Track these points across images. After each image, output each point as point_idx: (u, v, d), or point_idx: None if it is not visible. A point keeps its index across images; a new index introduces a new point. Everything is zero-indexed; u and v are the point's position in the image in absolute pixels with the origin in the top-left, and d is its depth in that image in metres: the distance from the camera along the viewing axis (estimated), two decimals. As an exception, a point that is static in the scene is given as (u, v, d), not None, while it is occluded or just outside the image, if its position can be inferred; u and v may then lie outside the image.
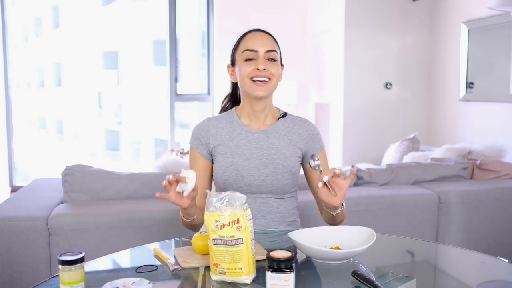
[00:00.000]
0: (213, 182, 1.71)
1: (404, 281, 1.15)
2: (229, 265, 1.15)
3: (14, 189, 5.03)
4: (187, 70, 10.21)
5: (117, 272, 1.37)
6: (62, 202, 2.30)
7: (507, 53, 3.85)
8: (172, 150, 4.29)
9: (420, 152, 3.85)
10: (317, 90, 5.29)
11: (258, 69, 1.56)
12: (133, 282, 1.06)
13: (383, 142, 4.67)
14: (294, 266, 1.06)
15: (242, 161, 1.62)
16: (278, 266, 1.04)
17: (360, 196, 2.47)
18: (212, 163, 1.67)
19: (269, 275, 1.06)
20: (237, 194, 1.18)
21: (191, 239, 1.39)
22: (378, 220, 2.47)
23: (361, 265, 1.29)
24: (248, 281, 1.16)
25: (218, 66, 5.20)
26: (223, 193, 1.18)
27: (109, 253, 1.48)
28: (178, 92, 5.24)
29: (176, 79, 5.23)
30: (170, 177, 1.33)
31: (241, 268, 1.15)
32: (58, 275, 1.09)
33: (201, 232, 1.36)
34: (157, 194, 1.35)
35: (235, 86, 1.77)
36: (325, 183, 1.36)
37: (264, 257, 1.15)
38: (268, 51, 1.58)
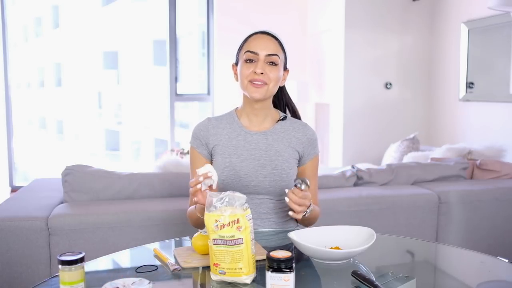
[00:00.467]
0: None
1: (404, 281, 1.15)
2: (229, 265, 1.15)
3: (14, 189, 5.03)
4: (187, 70, 10.21)
5: (117, 272, 1.37)
6: (62, 202, 2.30)
7: (507, 53, 3.85)
8: (172, 150, 4.29)
9: (420, 152, 3.85)
10: (317, 90, 5.29)
11: (255, 72, 1.56)
12: (133, 282, 1.06)
13: (383, 142, 4.67)
14: (294, 266, 1.06)
15: (240, 162, 1.62)
16: (278, 266, 1.04)
17: (360, 196, 2.47)
18: (212, 163, 1.67)
19: (269, 275, 1.06)
20: (237, 194, 1.18)
21: (191, 239, 1.38)
22: (378, 220, 2.47)
23: (361, 265, 1.28)
24: (248, 281, 1.16)
25: (218, 66, 5.20)
26: (223, 193, 1.18)
27: (109, 253, 1.48)
28: (178, 92, 5.24)
29: (176, 79, 5.23)
30: (194, 181, 1.38)
31: (241, 268, 1.15)
32: (58, 275, 1.09)
33: (201, 232, 1.36)
34: (191, 209, 1.54)
35: None
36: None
37: (264, 257, 1.15)
38: (269, 55, 1.57)
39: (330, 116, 5.00)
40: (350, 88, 4.72)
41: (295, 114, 1.79)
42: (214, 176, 1.40)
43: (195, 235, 1.37)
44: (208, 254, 1.26)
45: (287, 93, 1.80)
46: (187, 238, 1.52)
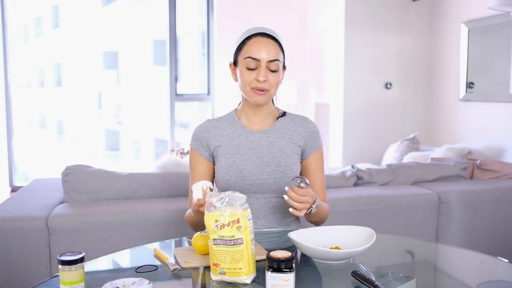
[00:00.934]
0: (214, 183, 1.72)
1: (404, 281, 1.15)
2: (229, 265, 1.15)
3: (14, 189, 5.03)
4: (187, 70, 10.21)
5: (117, 272, 1.37)
6: (62, 202, 2.30)
7: (507, 53, 3.85)
8: (172, 150, 4.29)
9: (420, 152, 3.85)
10: (317, 90, 5.29)
11: (258, 80, 1.55)
12: (133, 282, 1.06)
13: (383, 142, 4.67)
14: (294, 266, 1.06)
15: (244, 161, 1.62)
16: (278, 266, 1.04)
17: (360, 196, 2.47)
18: (214, 164, 1.67)
19: (269, 275, 1.06)
20: (237, 194, 1.18)
21: (191, 239, 1.39)
22: (378, 220, 2.47)
23: (361, 265, 1.29)
24: (248, 281, 1.16)
25: (218, 66, 5.20)
26: (223, 193, 1.18)
27: (109, 253, 1.48)
28: (178, 92, 5.24)
29: (176, 79, 5.23)
30: (196, 204, 1.37)
31: (241, 268, 1.15)
32: (58, 275, 1.09)
33: (201, 232, 1.36)
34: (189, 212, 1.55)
35: None
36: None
37: (264, 257, 1.15)
38: (271, 61, 1.56)
39: (330, 116, 5.00)
40: (350, 88, 4.72)
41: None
42: (211, 185, 1.37)
43: (195, 235, 1.37)
44: (208, 254, 1.26)
45: None
46: (187, 238, 1.52)
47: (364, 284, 1.12)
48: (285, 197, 1.40)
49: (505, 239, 2.69)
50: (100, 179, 2.30)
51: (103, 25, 13.62)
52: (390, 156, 4.15)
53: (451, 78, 4.55)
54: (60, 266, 1.06)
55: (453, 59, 4.50)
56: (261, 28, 1.61)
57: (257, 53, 1.55)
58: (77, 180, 2.27)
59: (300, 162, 1.71)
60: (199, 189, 1.35)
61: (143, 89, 12.72)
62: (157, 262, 1.33)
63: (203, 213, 1.37)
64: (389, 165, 2.78)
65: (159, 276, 1.24)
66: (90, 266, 1.31)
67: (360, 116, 4.76)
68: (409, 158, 3.71)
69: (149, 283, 1.06)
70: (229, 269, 1.15)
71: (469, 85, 4.29)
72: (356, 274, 1.16)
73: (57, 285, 1.09)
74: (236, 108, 1.73)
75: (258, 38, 1.57)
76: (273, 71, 1.57)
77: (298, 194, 1.39)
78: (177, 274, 1.25)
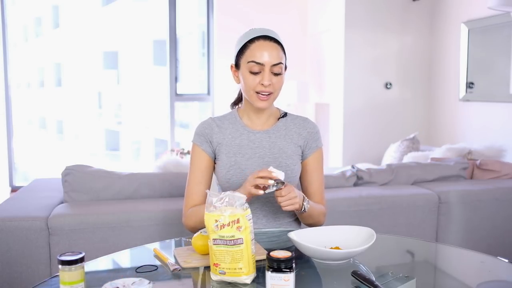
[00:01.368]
0: (212, 181, 1.72)
1: (404, 281, 1.15)
2: (229, 265, 1.15)
3: (14, 189, 5.03)
4: (187, 70, 10.21)
5: (117, 272, 1.37)
6: (62, 202, 2.30)
7: (507, 53, 3.85)
8: (172, 150, 4.30)
9: (420, 152, 3.85)
10: (317, 90, 5.29)
11: (262, 84, 1.55)
12: (133, 282, 1.06)
13: (383, 142, 4.67)
14: (294, 266, 1.06)
15: (245, 161, 1.63)
16: (278, 266, 1.04)
17: (360, 196, 2.47)
18: (214, 162, 1.67)
19: (269, 275, 1.06)
20: (237, 194, 1.18)
21: (191, 239, 1.39)
22: (378, 220, 2.47)
23: (361, 265, 1.29)
24: (248, 281, 1.16)
25: (218, 66, 5.20)
26: (223, 193, 1.18)
27: (109, 253, 1.48)
28: (178, 92, 5.24)
29: (176, 79, 5.23)
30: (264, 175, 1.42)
31: (241, 268, 1.15)
32: (58, 275, 1.09)
33: (201, 232, 1.36)
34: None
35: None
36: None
37: (264, 257, 1.15)
38: (274, 64, 1.55)
39: (330, 116, 5.00)
40: (350, 88, 4.72)
41: None
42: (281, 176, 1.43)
43: (195, 235, 1.37)
44: (208, 254, 1.26)
45: None
46: (187, 238, 1.52)
47: (364, 284, 1.12)
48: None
49: (505, 239, 2.69)
50: (100, 179, 2.30)
51: (103, 25, 13.62)
52: (390, 156, 4.15)
53: (451, 78, 4.55)
54: (60, 266, 1.06)
55: (453, 59, 4.50)
56: (262, 30, 1.59)
57: (260, 57, 1.54)
58: (77, 180, 2.27)
59: (301, 162, 1.71)
60: (281, 174, 1.42)
61: (143, 89, 12.73)
62: (157, 262, 1.33)
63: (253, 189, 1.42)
64: (389, 165, 2.78)
65: (159, 276, 1.24)
66: (90, 266, 1.31)
67: (360, 116, 4.76)
68: (409, 158, 3.71)
69: (149, 283, 1.06)
70: (229, 269, 1.15)
71: (469, 85, 4.29)
72: (356, 274, 1.16)
73: (57, 285, 1.09)
74: (238, 107, 1.73)
75: (261, 42, 1.56)
76: (276, 75, 1.57)
77: (282, 195, 1.44)
78: (177, 274, 1.25)
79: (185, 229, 1.68)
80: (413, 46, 4.83)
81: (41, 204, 2.23)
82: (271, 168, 1.43)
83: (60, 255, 1.07)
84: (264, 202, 1.64)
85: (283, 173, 1.43)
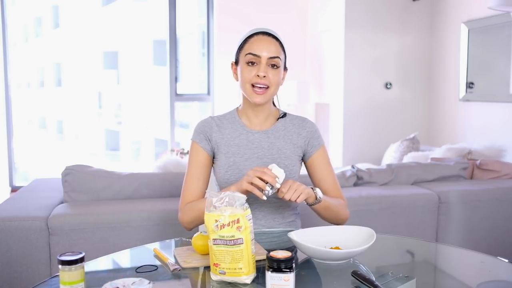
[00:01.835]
0: (211, 181, 1.72)
1: (404, 281, 1.15)
2: (229, 265, 1.15)
3: (14, 189, 5.03)
4: (187, 70, 10.21)
5: (117, 272, 1.37)
6: (62, 202, 2.30)
7: (507, 53, 3.85)
8: (172, 150, 4.29)
9: (420, 152, 3.85)
10: (317, 90, 5.29)
11: (258, 76, 1.56)
12: (133, 282, 1.06)
13: (383, 142, 4.67)
14: (294, 266, 1.06)
15: (244, 161, 1.63)
16: (278, 266, 1.04)
17: (360, 196, 2.47)
18: (213, 160, 1.68)
19: (269, 275, 1.06)
20: (237, 194, 1.18)
21: (191, 239, 1.39)
22: (378, 220, 2.47)
23: (361, 265, 1.29)
24: (248, 281, 1.16)
25: (218, 66, 5.20)
26: (223, 193, 1.18)
27: (109, 253, 1.48)
28: (178, 92, 5.24)
29: (176, 79, 5.23)
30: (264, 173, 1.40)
31: (241, 268, 1.15)
32: (58, 275, 1.09)
33: (201, 232, 1.36)
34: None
35: None
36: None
37: (264, 257, 1.15)
38: (271, 57, 1.56)
39: (330, 116, 5.00)
40: (350, 88, 4.72)
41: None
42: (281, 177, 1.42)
43: (195, 235, 1.37)
44: (208, 254, 1.26)
45: None
46: (187, 238, 1.52)
47: (364, 284, 1.12)
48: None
49: (505, 239, 2.69)
50: (100, 179, 2.30)
51: (103, 25, 13.63)
52: (390, 156, 4.15)
53: (451, 78, 4.55)
54: (60, 266, 1.06)
55: (453, 59, 4.50)
56: (262, 28, 1.63)
57: (257, 49, 1.56)
58: (77, 180, 2.27)
59: (305, 162, 1.71)
60: (280, 172, 1.41)
61: (143, 89, 12.73)
62: (157, 262, 1.33)
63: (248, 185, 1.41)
64: (389, 165, 2.78)
65: (159, 276, 1.24)
66: (90, 266, 1.31)
67: (360, 116, 4.76)
68: (409, 158, 3.71)
69: (149, 283, 1.06)
70: (229, 269, 1.15)
71: (469, 85, 4.29)
72: (356, 274, 1.16)
73: (57, 285, 1.09)
74: (237, 107, 1.73)
75: (260, 36, 1.59)
76: (273, 69, 1.58)
77: (283, 191, 1.43)
78: (177, 274, 1.25)
79: (186, 230, 1.68)
80: (413, 46, 4.83)
81: (41, 204, 2.23)
82: (271, 166, 1.42)
83: (60, 255, 1.07)
84: (263, 203, 1.64)
85: (283, 172, 1.43)
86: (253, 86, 1.58)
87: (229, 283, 1.17)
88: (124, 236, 2.13)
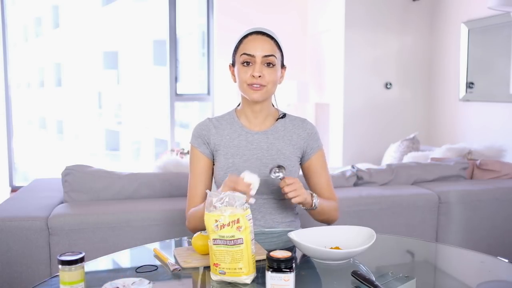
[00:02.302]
0: (213, 182, 1.72)
1: (404, 281, 1.15)
2: (229, 265, 1.15)
3: (14, 189, 5.03)
4: (187, 70, 10.21)
5: (117, 272, 1.37)
6: (62, 202, 2.30)
7: (507, 53, 3.85)
8: (172, 150, 4.29)
9: (420, 152, 3.85)
10: (317, 90, 5.29)
11: (253, 76, 1.56)
12: (133, 282, 1.06)
13: (383, 142, 4.67)
14: (294, 266, 1.06)
15: (243, 162, 1.62)
16: (278, 266, 1.04)
17: (360, 196, 2.47)
18: (213, 162, 1.67)
19: (269, 275, 1.05)
20: (237, 194, 1.18)
21: (191, 239, 1.39)
22: (378, 220, 2.47)
23: (361, 265, 1.29)
24: (248, 281, 1.16)
25: (218, 66, 5.20)
26: (223, 193, 1.18)
27: (109, 253, 1.48)
28: (178, 92, 5.24)
29: (176, 79, 5.23)
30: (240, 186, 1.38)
31: (241, 268, 1.15)
32: (58, 275, 1.09)
33: (201, 232, 1.36)
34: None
35: None
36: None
37: (264, 257, 1.15)
38: (266, 56, 1.56)
39: (330, 116, 5.00)
40: (350, 88, 4.72)
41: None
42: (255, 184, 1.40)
43: (195, 235, 1.37)
44: (208, 254, 1.26)
45: None
46: (187, 238, 1.52)
47: (364, 284, 1.12)
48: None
49: (505, 239, 2.69)
50: (100, 179, 2.30)
51: (103, 25, 13.63)
52: (390, 156, 4.15)
53: (451, 78, 4.55)
54: (60, 266, 1.06)
55: (453, 59, 4.50)
56: (257, 28, 1.62)
57: (252, 49, 1.56)
58: (77, 180, 2.27)
59: (302, 164, 1.71)
60: (254, 177, 1.39)
61: (143, 89, 12.73)
62: (157, 262, 1.33)
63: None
64: (389, 165, 2.78)
65: (159, 276, 1.24)
66: (90, 266, 1.31)
67: (360, 116, 4.76)
68: (409, 158, 3.71)
69: (149, 283, 1.06)
70: (229, 269, 1.15)
71: (469, 85, 4.29)
72: (356, 274, 1.16)
73: (57, 285, 1.09)
74: (236, 108, 1.73)
75: (254, 36, 1.59)
76: (269, 67, 1.57)
77: (286, 183, 1.45)
78: (177, 274, 1.25)
79: (186, 230, 1.68)
80: (413, 46, 4.83)
81: (41, 204, 2.23)
82: (243, 174, 1.40)
83: (60, 255, 1.07)
84: (262, 204, 1.64)
85: (257, 177, 1.40)
86: (250, 85, 1.57)
87: (229, 283, 1.17)
88: (124, 236, 2.13)
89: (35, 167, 11.76)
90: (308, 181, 1.73)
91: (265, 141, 1.66)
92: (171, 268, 1.26)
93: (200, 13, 8.67)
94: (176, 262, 1.31)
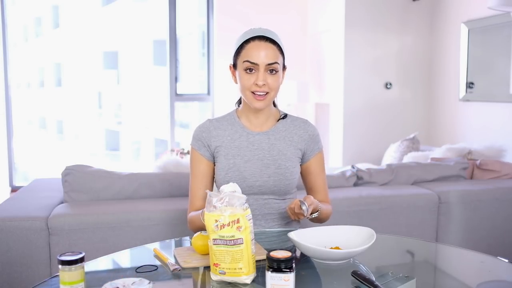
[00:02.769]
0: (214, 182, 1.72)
1: (404, 281, 1.15)
2: (229, 265, 1.15)
3: (14, 189, 5.03)
4: (187, 70, 10.21)
5: (117, 272, 1.37)
6: (62, 202, 2.30)
7: (507, 53, 3.85)
8: (172, 150, 4.29)
9: (420, 152, 3.85)
10: (317, 90, 5.29)
11: (257, 84, 1.55)
12: (133, 282, 1.06)
13: (383, 142, 4.67)
14: (294, 266, 1.06)
15: (244, 163, 1.62)
16: (278, 266, 1.04)
17: (360, 196, 2.47)
18: (214, 164, 1.67)
19: (269, 275, 1.05)
20: (237, 194, 1.18)
21: (191, 239, 1.39)
22: (378, 220, 2.47)
23: (361, 265, 1.29)
24: (248, 281, 1.16)
25: (218, 66, 5.20)
26: (223, 193, 1.18)
27: (109, 253, 1.48)
28: (178, 92, 5.24)
29: (176, 79, 5.23)
30: None
31: (241, 268, 1.15)
32: (58, 275, 1.09)
33: (201, 232, 1.36)
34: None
35: None
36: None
37: (264, 257, 1.15)
38: (269, 64, 1.54)
39: (330, 116, 5.00)
40: (350, 88, 4.72)
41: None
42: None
43: (195, 235, 1.37)
44: (208, 254, 1.26)
45: None
46: (187, 238, 1.52)
47: (364, 284, 1.12)
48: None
49: (505, 239, 2.69)
50: (100, 179, 2.30)
51: (103, 25, 13.62)
52: (390, 156, 4.15)
53: (451, 78, 4.55)
54: (60, 266, 1.06)
55: (453, 59, 4.50)
56: (259, 30, 1.58)
57: (255, 57, 1.54)
58: (77, 180, 2.27)
59: (301, 165, 1.71)
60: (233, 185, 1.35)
61: (143, 89, 12.72)
62: (157, 262, 1.33)
63: None
64: (389, 165, 2.78)
65: (159, 276, 1.24)
66: (90, 266, 1.31)
67: (360, 116, 4.76)
68: (409, 158, 3.71)
69: (149, 283, 1.06)
70: (229, 269, 1.15)
71: (469, 85, 4.29)
72: (356, 274, 1.16)
73: (57, 285, 1.09)
74: (237, 108, 1.73)
75: (256, 42, 1.55)
76: (272, 74, 1.57)
77: (295, 211, 1.47)
78: (177, 274, 1.25)
79: (186, 230, 1.68)
80: (413, 46, 4.83)
81: (41, 204, 2.23)
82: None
83: (60, 255, 1.07)
84: (262, 204, 1.64)
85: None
86: (253, 93, 1.57)
87: (229, 283, 1.17)
88: (124, 236, 2.13)
89: (35, 167, 11.76)
90: (304, 181, 1.74)
91: (266, 141, 1.66)
92: (171, 268, 1.26)
93: (200, 13, 8.67)
94: (176, 262, 1.31)
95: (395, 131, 4.79)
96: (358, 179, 2.67)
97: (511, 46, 3.81)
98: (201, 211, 1.54)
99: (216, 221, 1.15)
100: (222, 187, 1.21)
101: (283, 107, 3.36)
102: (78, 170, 2.28)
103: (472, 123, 4.28)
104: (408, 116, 4.88)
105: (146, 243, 1.59)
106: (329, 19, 4.96)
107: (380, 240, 1.34)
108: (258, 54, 1.54)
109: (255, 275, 1.18)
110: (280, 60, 1.58)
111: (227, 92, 5.12)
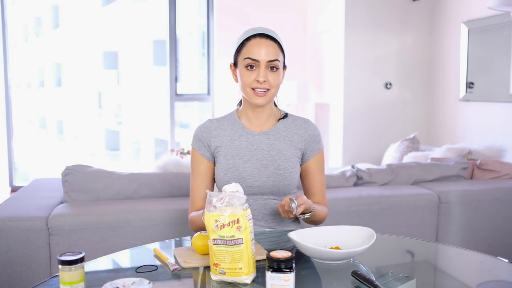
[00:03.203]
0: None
1: (404, 281, 1.15)
2: (229, 265, 1.15)
3: (14, 189, 5.03)
4: (187, 70, 10.21)
5: (117, 272, 1.37)
6: (62, 202, 2.30)
7: (507, 53, 3.85)
8: (172, 150, 4.29)
9: (420, 152, 3.85)
10: (317, 90, 5.29)
11: (258, 81, 1.55)
12: (133, 282, 1.06)
13: (383, 142, 4.67)
14: (294, 266, 1.06)
15: (243, 163, 1.62)
16: (278, 266, 1.04)
17: (360, 196, 2.47)
18: (214, 164, 1.67)
19: (269, 275, 1.05)
20: (237, 194, 1.18)
21: (191, 239, 1.39)
22: (378, 220, 2.47)
23: (361, 265, 1.29)
24: (248, 281, 1.16)
25: (218, 66, 5.20)
26: (223, 193, 1.18)
27: (109, 253, 1.48)
28: (178, 92, 5.24)
29: (176, 79, 5.23)
30: None
31: (241, 268, 1.15)
32: (58, 275, 1.09)
33: (201, 232, 1.36)
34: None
35: None
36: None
37: (264, 257, 1.15)
38: (270, 61, 1.55)
39: (330, 116, 5.00)
40: (350, 88, 4.72)
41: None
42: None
43: (195, 235, 1.37)
44: (208, 254, 1.26)
45: None
46: (187, 238, 1.52)
47: (364, 284, 1.12)
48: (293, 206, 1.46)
49: (505, 239, 2.69)
50: (100, 179, 2.30)
51: (103, 25, 13.62)
52: (390, 156, 4.15)
53: (451, 78, 4.55)
54: (60, 266, 1.06)
55: (453, 59, 4.50)
56: (260, 29, 1.60)
57: (256, 53, 1.55)
58: (77, 180, 2.27)
59: (301, 165, 1.71)
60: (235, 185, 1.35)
61: (143, 89, 12.73)
62: (157, 262, 1.33)
63: None
64: (389, 165, 2.78)
65: (159, 276, 1.24)
66: (90, 266, 1.31)
67: (360, 116, 4.76)
68: (409, 158, 3.71)
69: (149, 283, 1.06)
70: (229, 269, 1.15)
71: (469, 85, 4.29)
72: (356, 274, 1.16)
73: (57, 285, 1.09)
74: (237, 108, 1.73)
75: (257, 39, 1.57)
76: (273, 71, 1.57)
77: (299, 201, 1.46)
78: (177, 274, 1.25)
79: (186, 230, 1.68)
80: (413, 46, 4.83)
81: (41, 204, 2.23)
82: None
83: (60, 255, 1.07)
84: (262, 204, 1.64)
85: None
86: (253, 89, 1.57)
87: (229, 283, 1.17)
88: (124, 236, 2.13)
89: (35, 167, 11.76)
90: (302, 180, 1.73)
91: (266, 142, 1.65)
92: (171, 268, 1.26)
93: (200, 13, 8.67)
94: (176, 262, 1.31)
95: (395, 131, 4.79)
96: (358, 179, 2.67)
97: (511, 46, 3.81)
98: (202, 211, 1.54)
99: (216, 221, 1.15)
100: (224, 187, 1.21)
101: (283, 107, 3.36)
102: (78, 170, 2.28)
103: (472, 123, 4.28)
104: (408, 116, 4.88)
105: (146, 243, 1.59)
106: (329, 19, 4.96)
107: (380, 240, 1.34)
108: (259, 51, 1.55)
109: (255, 275, 1.18)
110: (280, 58, 1.59)
111: (227, 92, 5.12)
